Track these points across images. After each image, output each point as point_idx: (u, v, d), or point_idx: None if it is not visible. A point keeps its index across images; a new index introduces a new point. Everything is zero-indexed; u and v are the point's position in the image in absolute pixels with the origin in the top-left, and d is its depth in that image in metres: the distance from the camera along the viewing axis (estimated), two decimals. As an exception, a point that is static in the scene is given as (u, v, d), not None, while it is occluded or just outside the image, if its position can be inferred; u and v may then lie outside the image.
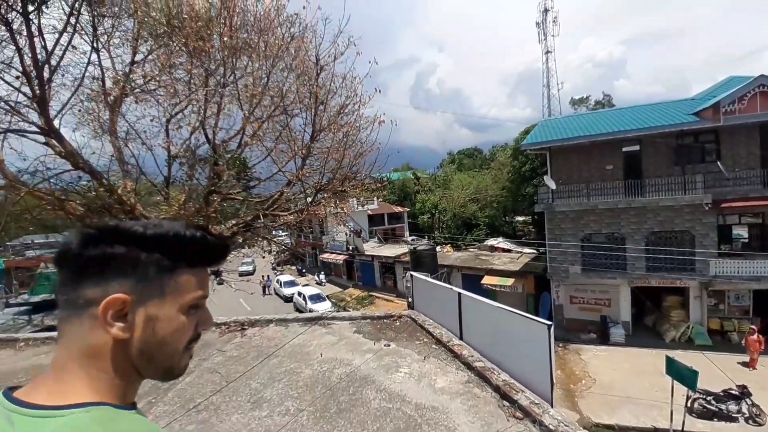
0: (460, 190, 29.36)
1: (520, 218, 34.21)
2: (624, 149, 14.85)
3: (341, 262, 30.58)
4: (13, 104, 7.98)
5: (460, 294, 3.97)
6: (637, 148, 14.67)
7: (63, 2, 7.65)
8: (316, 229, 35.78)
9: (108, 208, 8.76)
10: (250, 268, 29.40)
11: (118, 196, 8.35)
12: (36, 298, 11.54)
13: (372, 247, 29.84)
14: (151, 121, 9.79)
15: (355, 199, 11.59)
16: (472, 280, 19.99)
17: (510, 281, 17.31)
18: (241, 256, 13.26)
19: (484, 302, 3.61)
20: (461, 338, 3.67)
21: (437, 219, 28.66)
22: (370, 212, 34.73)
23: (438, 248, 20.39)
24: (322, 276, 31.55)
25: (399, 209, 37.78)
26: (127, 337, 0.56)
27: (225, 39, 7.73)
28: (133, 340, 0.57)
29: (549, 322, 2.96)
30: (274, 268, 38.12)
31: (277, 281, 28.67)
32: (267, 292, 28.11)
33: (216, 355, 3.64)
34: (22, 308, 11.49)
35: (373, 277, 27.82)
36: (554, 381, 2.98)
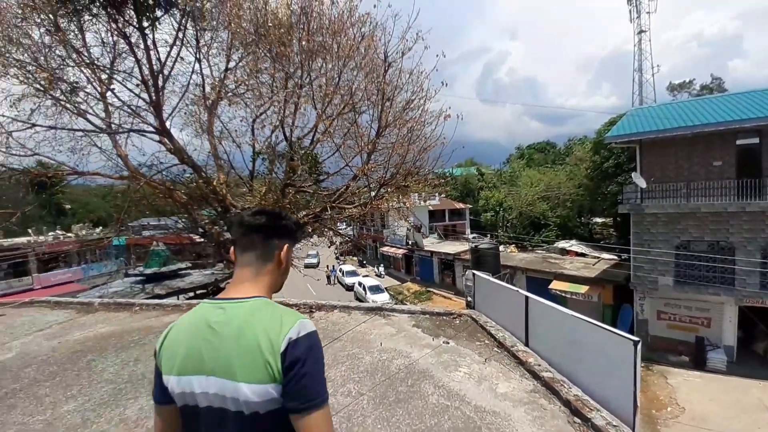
0: (529, 187, 27.45)
1: (598, 220, 30.93)
2: (738, 142, 12.44)
3: (400, 256, 31.00)
4: (134, 108, 9.68)
5: (527, 298, 3.82)
6: (755, 140, 12.18)
7: (172, 18, 8.99)
8: (378, 223, 36.68)
9: (205, 197, 10.17)
10: (315, 261, 30.42)
11: (213, 187, 9.64)
12: (148, 271, 13.88)
13: (431, 243, 29.67)
14: (240, 121, 11.02)
15: (416, 194, 11.71)
16: (537, 284, 18.75)
17: (583, 289, 15.85)
18: (309, 245, 14.21)
19: (557, 309, 3.41)
20: (527, 344, 3.55)
21: (502, 217, 27.25)
22: (431, 208, 34.50)
23: (501, 248, 19.50)
24: (381, 268, 32.37)
25: (461, 206, 36.83)
26: (283, 265, 1.09)
27: (303, 43, 8.35)
28: (283, 266, 1.09)
29: (636, 338, 2.71)
30: (337, 258, 40.18)
31: (340, 270, 30.19)
32: (331, 282, 29.23)
33: None
34: (138, 278, 13.88)
35: (431, 273, 27.72)
36: (638, 404, 2.75)
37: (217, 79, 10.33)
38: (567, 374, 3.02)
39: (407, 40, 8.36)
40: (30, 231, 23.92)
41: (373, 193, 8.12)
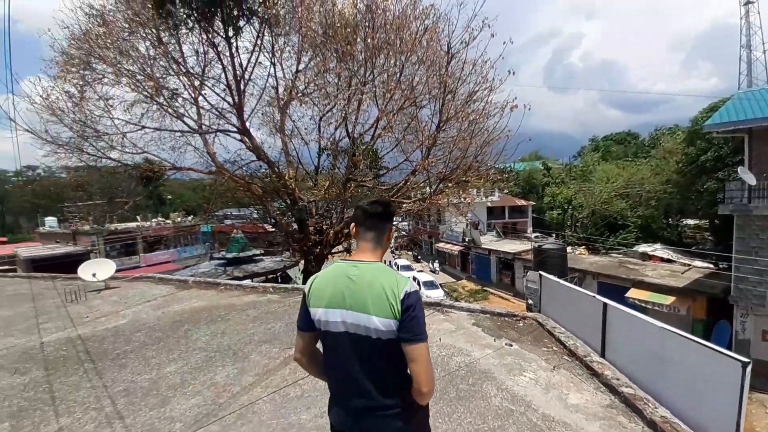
0: (605, 182, 24.68)
1: (689, 221, 26.86)
2: None
3: (456, 252, 30.36)
4: (220, 111, 10.81)
5: (606, 304, 3.51)
6: None
7: (252, 27, 9.82)
8: (434, 218, 36.28)
9: (277, 191, 11.06)
10: None
11: (285, 181, 10.44)
12: (229, 255, 15.64)
13: (489, 241, 28.54)
14: (309, 119, 11.71)
15: (476, 189, 11.35)
16: (611, 292, 16.97)
17: (668, 300, 13.99)
18: None
19: (643, 319, 3.06)
20: (602, 356, 3.27)
21: (570, 216, 24.99)
22: (490, 204, 33.12)
23: (569, 249, 18.00)
24: (436, 264, 32.07)
25: (522, 202, 34.68)
26: (390, 241, 1.49)
27: (368, 41, 8.54)
28: (389, 242, 1.49)
29: (746, 359, 2.35)
30: (392, 252, 40.75)
31: (395, 264, 30.59)
32: None
33: None
34: (220, 262, 15.66)
35: (488, 272, 26.70)
36: (743, 434, 2.39)
37: (289, 80, 11.15)
38: (651, 392, 2.72)
39: (472, 29, 8.09)
40: (138, 218, 28.43)
41: (432, 188, 8.06)
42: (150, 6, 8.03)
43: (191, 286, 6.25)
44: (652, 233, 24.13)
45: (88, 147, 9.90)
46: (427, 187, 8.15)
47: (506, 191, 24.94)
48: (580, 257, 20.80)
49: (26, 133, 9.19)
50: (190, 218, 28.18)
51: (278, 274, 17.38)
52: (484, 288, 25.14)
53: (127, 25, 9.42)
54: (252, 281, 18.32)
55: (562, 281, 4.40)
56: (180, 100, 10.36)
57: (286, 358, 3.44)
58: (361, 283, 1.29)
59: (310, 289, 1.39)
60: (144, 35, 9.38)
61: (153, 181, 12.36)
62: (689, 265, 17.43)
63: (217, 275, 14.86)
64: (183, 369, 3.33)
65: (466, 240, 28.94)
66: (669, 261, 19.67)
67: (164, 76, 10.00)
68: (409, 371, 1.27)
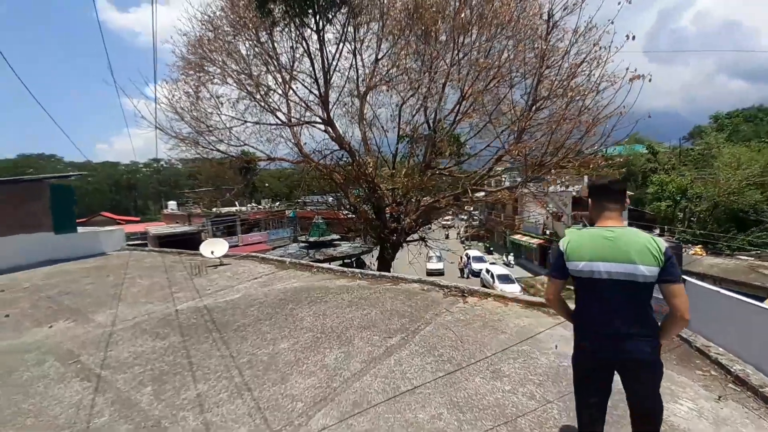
0: (734, 169, 20.11)
1: None
2: None
3: (535, 246, 28.11)
4: (307, 103, 11.36)
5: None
6: None
7: (337, 19, 9.97)
8: (509, 207, 34.03)
9: (357, 179, 11.35)
10: (440, 266, 25.46)
11: (364, 169, 10.63)
12: (311, 239, 16.72)
13: (576, 234, 25.74)
14: (388, 108, 11.66)
15: (565, 177, 10.08)
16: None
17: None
18: (431, 245, 13.70)
19: None
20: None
21: (684, 208, 20.98)
22: (575, 194, 29.74)
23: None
24: (510, 257, 30.22)
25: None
26: (625, 209, 1.93)
27: (457, 17, 7.99)
28: (625, 211, 2.50)
29: None
30: (462, 242, 39.53)
31: (466, 255, 29.59)
32: (464, 275, 26.36)
33: (445, 314, 4.08)
34: (304, 245, 16.88)
35: (573, 268, 24.19)
36: None
37: (368, 69, 11.21)
38: None
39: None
40: (237, 203, 32.35)
41: (526, 175, 7.31)
42: (252, 7, 8.63)
43: (288, 267, 6.73)
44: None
45: (202, 141, 11.33)
46: (526, 173, 7.38)
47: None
48: (695, 258, 17.55)
49: (155, 131, 10.79)
50: (277, 204, 31.31)
51: (353, 259, 18.20)
52: (568, 286, 22.87)
53: (230, 29, 10.42)
54: (330, 264, 19.63)
55: (719, 289, 3.57)
56: (275, 96, 11.22)
57: (389, 348, 3.41)
58: (622, 241, 1.67)
59: (566, 247, 1.80)
60: (246, 37, 10.27)
61: (250, 171, 13.84)
62: None
63: (302, 256, 16.20)
64: (295, 347, 3.53)
65: (548, 232, 26.57)
66: (832, 269, 15.49)
67: (261, 74, 10.88)
68: (669, 306, 1.65)
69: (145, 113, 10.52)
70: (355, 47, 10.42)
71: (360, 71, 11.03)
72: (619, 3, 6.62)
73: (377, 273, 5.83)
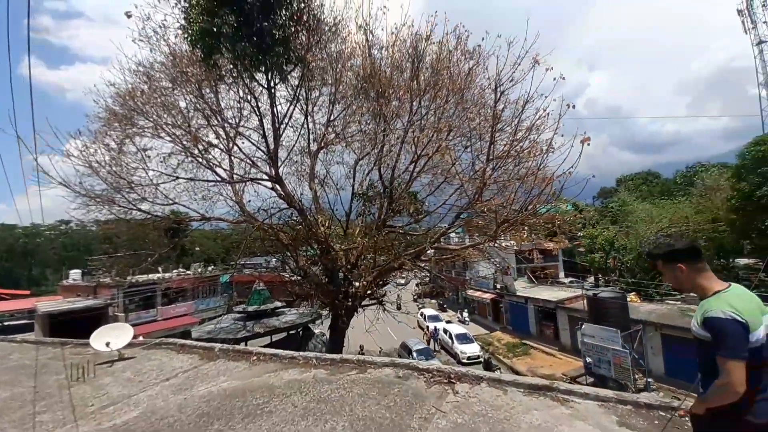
0: (648, 223, 23.02)
1: (741, 261, 24.45)
2: None
3: (488, 301, 28.26)
4: (253, 160, 10.54)
5: None
6: None
7: (291, 80, 9.79)
8: (459, 264, 34.63)
9: (307, 239, 10.32)
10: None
11: (316, 229, 9.73)
12: (250, 308, 14.49)
13: (523, 287, 26.51)
14: (342, 165, 11.29)
15: (519, 234, 10.25)
16: (678, 345, 14.80)
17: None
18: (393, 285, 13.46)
19: None
20: None
21: (613, 258, 23.00)
22: (517, 248, 31.49)
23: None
24: (465, 314, 29.82)
25: (553, 246, 32.85)
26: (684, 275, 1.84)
27: (413, 83, 8.19)
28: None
29: None
30: (415, 300, 38.59)
31: (421, 314, 28.58)
32: (434, 347, 22.60)
33: (437, 417, 3.10)
34: (240, 315, 14.56)
35: (526, 322, 24.38)
36: None
37: (321, 128, 10.99)
38: None
39: (520, 66, 7.61)
40: (160, 269, 28.16)
41: (494, 230, 7.01)
42: (197, 60, 8.03)
43: (218, 356, 5.23)
44: (709, 277, 21.76)
45: (120, 199, 9.66)
46: (496, 229, 7.07)
47: (565, 236, 22.51)
48: (633, 305, 18.60)
49: (60, 188, 8.96)
50: (210, 268, 27.71)
51: (299, 330, 16.04)
52: (524, 341, 22.69)
53: (170, 84, 9.62)
54: (271, 339, 17.04)
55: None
56: (215, 152, 10.26)
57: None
58: (751, 295, 1.73)
59: (745, 314, 1.59)
60: (187, 91, 9.50)
61: (179, 233, 12.03)
62: None
63: (237, 331, 13.78)
64: None
65: (498, 287, 27.00)
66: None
67: (201, 128, 9.99)
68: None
69: (51, 169, 8.73)
70: (308, 109, 10.21)
71: (312, 130, 10.76)
72: (554, 79, 7.32)
73: (337, 357, 4.67)
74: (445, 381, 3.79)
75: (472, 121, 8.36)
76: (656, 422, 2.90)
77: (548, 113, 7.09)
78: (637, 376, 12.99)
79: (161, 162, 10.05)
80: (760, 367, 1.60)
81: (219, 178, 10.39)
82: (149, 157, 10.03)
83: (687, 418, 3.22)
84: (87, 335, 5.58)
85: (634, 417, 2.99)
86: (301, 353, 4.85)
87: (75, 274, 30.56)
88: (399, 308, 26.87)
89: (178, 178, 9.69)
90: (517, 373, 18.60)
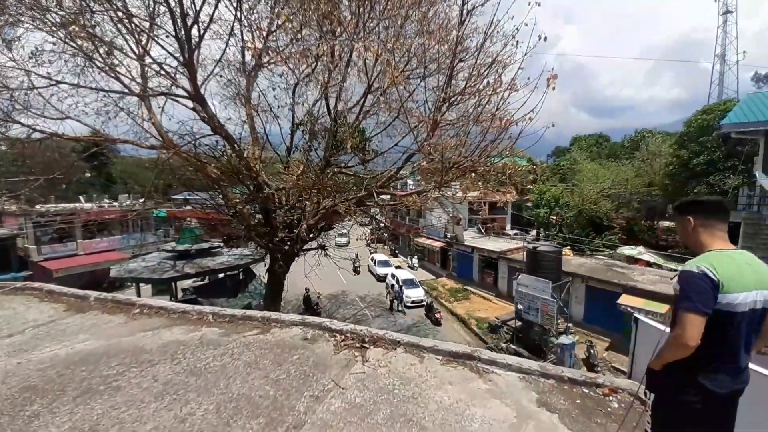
0: (593, 182, 24.12)
1: (664, 223, 27.14)
2: None
3: (437, 249, 29.16)
4: (168, 70, 8.50)
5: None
6: None
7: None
8: (413, 212, 34.87)
9: (238, 173, 8.96)
10: (345, 240, 25.63)
11: (246, 162, 8.37)
12: (180, 247, 13.19)
13: (471, 238, 27.51)
14: (282, 89, 9.58)
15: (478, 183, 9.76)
16: (601, 297, 16.33)
17: (664, 308, 13.30)
18: (338, 228, 12.86)
19: None
20: None
21: (556, 214, 24.23)
22: (470, 199, 32.11)
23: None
24: (415, 260, 30.76)
25: (502, 199, 33.99)
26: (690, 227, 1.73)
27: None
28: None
29: None
30: (368, 245, 38.98)
31: (371, 259, 28.93)
32: (396, 307, 22.47)
33: (332, 395, 2.50)
34: (169, 255, 13.26)
35: (470, 270, 25.71)
36: None
37: (259, 43, 8.99)
38: None
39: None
40: (82, 198, 24.71)
41: (440, 177, 6.28)
42: None
43: (91, 306, 4.23)
44: (634, 235, 23.96)
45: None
46: (441, 175, 6.32)
47: (529, 186, 22.61)
48: (566, 259, 20.01)
49: None
50: (140, 201, 24.69)
51: (239, 271, 15.14)
52: (465, 287, 24.09)
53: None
54: (207, 279, 15.99)
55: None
56: (119, 55, 8.00)
57: None
58: (756, 265, 1.59)
59: (719, 275, 1.49)
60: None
61: (97, 157, 9.88)
62: (676, 270, 17.03)
63: (163, 271, 12.55)
64: None
65: (449, 236, 27.75)
66: (654, 266, 19.36)
67: (102, 23, 7.60)
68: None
69: None
70: (239, 12, 8.09)
71: (247, 40, 8.77)
72: (529, 4, 6.20)
73: (238, 314, 3.91)
74: (358, 345, 3.21)
75: (431, 49, 7.13)
76: (578, 401, 2.55)
77: (516, 43, 6.11)
78: (558, 321, 14.25)
79: (43, 62, 7.70)
80: (727, 335, 1.53)
81: (127, 90, 8.32)
82: (32, 55, 7.64)
83: (611, 397, 3.03)
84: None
85: (556, 394, 2.62)
86: (196, 309, 4.01)
87: (-27, 200, 25.97)
88: (357, 272, 26.77)
89: (60, 83, 7.49)
90: (455, 315, 19.86)
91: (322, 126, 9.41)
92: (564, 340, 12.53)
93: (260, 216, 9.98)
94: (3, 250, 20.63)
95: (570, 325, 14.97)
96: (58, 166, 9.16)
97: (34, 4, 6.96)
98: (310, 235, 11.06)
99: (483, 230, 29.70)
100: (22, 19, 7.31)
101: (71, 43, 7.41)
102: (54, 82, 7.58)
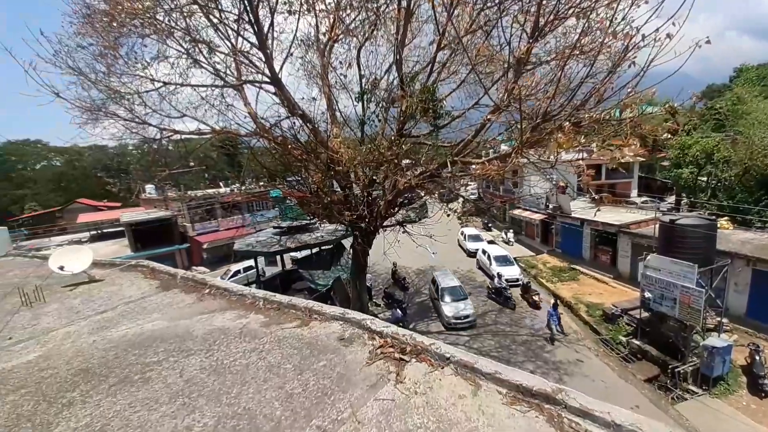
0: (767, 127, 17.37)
1: None
2: None
3: (536, 222, 25.89)
4: (249, 58, 8.84)
5: None
6: None
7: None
8: (509, 180, 31.48)
9: (314, 152, 8.98)
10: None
11: (322, 138, 8.23)
12: (284, 224, 14.82)
13: (581, 208, 23.40)
14: (344, 59, 9.10)
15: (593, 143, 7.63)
16: (775, 283, 12.01)
17: None
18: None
19: None
20: None
21: (709, 174, 18.33)
22: (581, 162, 27.10)
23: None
24: (510, 234, 28.06)
25: (619, 156, 27.55)
26: None
27: None
28: None
29: None
30: (459, 219, 37.22)
31: (461, 233, 27.52)
32: (500, 297, 19.74)
33: (344, 429, 1.96)
34: (276, 231, 14.94)
35: (578, 246, 22.11)
36: None
37: (332, 15, 8.60)
38: None
39: None
40: (221, 184, 30.04)
41: (524, 135, 4.86)
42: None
43: (177, 285, 4.65)
44: None
45: (119, 110, 8.96)
46: (521, 133, 4.99)
47: (666, 136, 17.96)
48: (722, 232, 15.27)
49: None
50: (261, 183, 28.94)
51: (332, 246, 16.14)
52: (573, 266, 20.86)
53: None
54: (310, 252, 17.53)
55: None
56: (219, 55, 8.75)
57: None
58: None
59: None
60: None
61: (228, 149, 11.48)
62: None
63: (270, 245, 14.24)
64: None
65: (550, 207, 24.25)
66: None
67: (200, 27, 8.38)
68: None
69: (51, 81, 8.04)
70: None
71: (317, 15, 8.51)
72: None
73: (285, 301, 3.72)
74: (396, 357, 2.60)
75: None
76: None
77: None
78: (706, 315, 10.98)
79: (171, 67, 8.90)
80: None
81: (224, 83, 9.05)
82: (147, 63, 8.91)
83: None
84: (161, 243, 5.36)
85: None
86: (252, 293, 3.99)
87: (149, 188, 34.23)
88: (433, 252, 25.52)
89: (165, 83, 8.49)
90: (559, 298, 17.28)
91: (391, 90, 8.61)
92: (714, 341, 9.57)
93: (339, 192, 10.05)
94: (168, 227, 26.76)
95: (725, 321, 11.44)
96: (208, 160, 10.89)
97: (150, 17, 7.93)
98: (391, 211, 10.74)
99: (595, 198, 24.99)
100: (133, 29, 8.42)
101: (177, 47, 8.34)
102: (176, 84, 8.64)
